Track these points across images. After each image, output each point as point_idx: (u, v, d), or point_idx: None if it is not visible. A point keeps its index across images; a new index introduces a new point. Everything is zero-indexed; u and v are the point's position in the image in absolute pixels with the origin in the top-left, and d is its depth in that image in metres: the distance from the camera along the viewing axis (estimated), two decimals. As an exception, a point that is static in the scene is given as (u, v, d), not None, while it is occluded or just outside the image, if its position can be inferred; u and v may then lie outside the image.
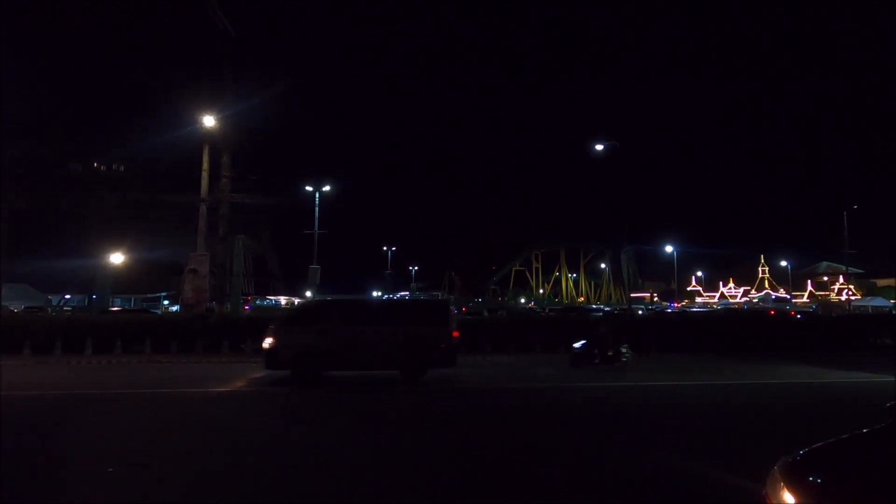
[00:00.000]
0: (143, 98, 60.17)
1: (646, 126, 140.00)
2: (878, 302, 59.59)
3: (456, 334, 12.81)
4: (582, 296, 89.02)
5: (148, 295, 48.91)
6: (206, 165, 27.24)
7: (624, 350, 14.83)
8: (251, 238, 47.43)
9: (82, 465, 6.11)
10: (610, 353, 14.53)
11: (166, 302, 48.00)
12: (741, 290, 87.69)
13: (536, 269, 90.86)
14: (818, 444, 3.29)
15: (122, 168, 47.75)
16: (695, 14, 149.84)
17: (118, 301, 43.80)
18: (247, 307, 42.23)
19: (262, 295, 69.08)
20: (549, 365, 15.97)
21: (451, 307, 14.16)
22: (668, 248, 66.57)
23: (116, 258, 33.16)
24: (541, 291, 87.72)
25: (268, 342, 12.26)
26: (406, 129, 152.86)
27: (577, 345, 14.93)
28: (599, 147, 26.32)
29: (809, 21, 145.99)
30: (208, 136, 27.10)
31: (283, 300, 67.45)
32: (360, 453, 6.54)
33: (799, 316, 29.88)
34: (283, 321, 13.58)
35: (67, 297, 45.48)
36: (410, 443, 7.20)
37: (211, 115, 26.13)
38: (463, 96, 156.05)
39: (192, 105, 27.12)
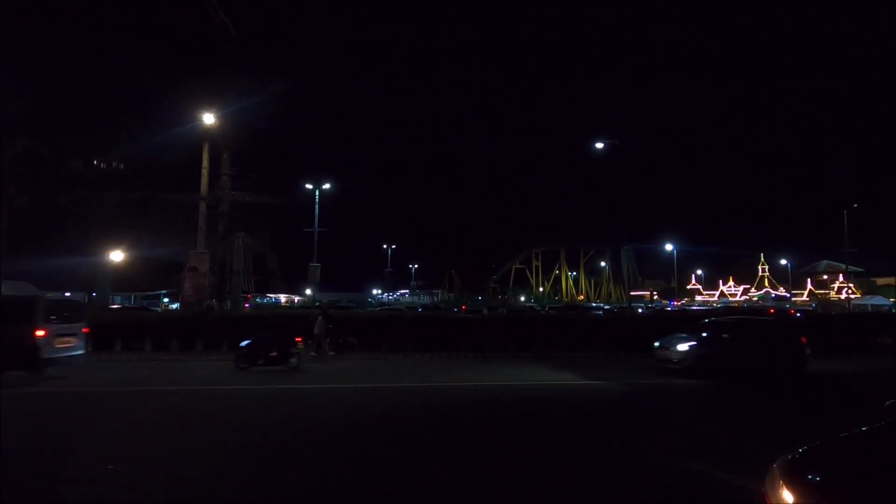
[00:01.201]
0: (144, 97, 60.32)
1: (646, 126, 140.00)
2: (878, 300, 59.63)
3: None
4: (582, 294, 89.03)
5: (148, 293, 48.95)
6: (206, 164, 27.26)
7: (299, 350, 14.16)
8: (251, 236, 47.42)
9: (83, 462, 6.14)
10: (273, 354, 13.69)
11: (166, 300, 48.04)
12: (741, 288, 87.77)
13: (536, 267, 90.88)
14: (817, 443, 3.30)
15: (122, 166, 47.78)
16: (695, 14, 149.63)
17: (118, 299, 43.84)
18: (246, 305, 42.31)
19: (262, 293, 69.15)
20: (223, 365, 14.61)
21: (42, 303, 12.27)
22: (668, 247, 66.56)
23: (116, 256, 33.19)
24: (541, 290, 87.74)
25: None
26: (406, 128, 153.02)
27: (243, 344, 14.02)
28: (599, 146, 26.33)
29: (809, 21, 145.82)
30: (208, 134, 27.10)
31: (282, 298, 67.53)
32: None
33: (799, 314, 29.91)
34: None
35: (67, 294, 45.48)
36: None
37: (211, 113, 26.13)
38: (463, 96, 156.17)
39: (193, 103, 27.15)
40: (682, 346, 13.48)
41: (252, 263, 61.98)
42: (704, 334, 13.88)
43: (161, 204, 41.53)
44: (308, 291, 48.32)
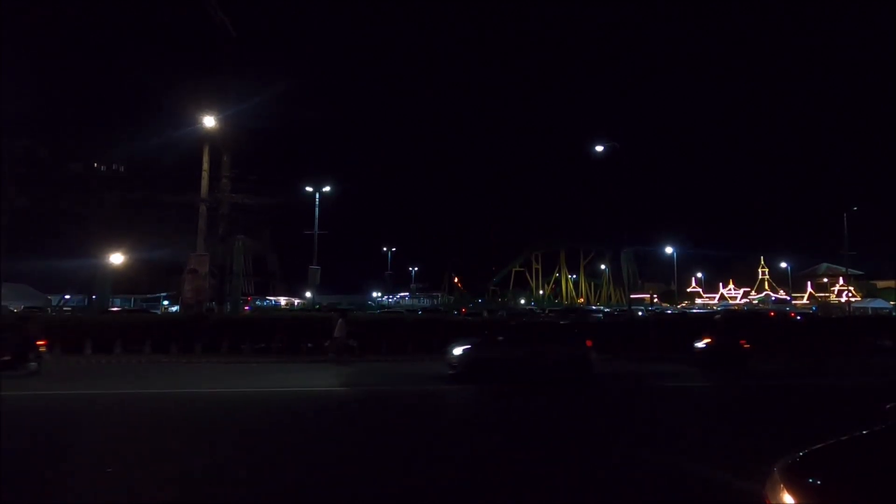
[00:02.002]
0: (144, 97, 60.18)
1: (646, 126, 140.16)
2: (878, 304, 59.64)
3: None
4: (582, 297, 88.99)
5: (148, 295, 48.89)
6: (206, 165, 27.24)
7: (40, 353, 13.56)
8: (251, 238, 47.34)
9: (83, 464, 6.10)
10: (7, 359, 12.98)
11: (166, 302, 48.00)
12: (741, 291, 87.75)
13: (536, 269, 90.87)
14: (818, 446, 3.29)
15: (122, 168, 47.77)
16: (695, 14, 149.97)
17: (118, 301, 43.80)
18: (246, 307, 42.28)
19: (262, 295, 69.02)
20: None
21: None
22: (668, 250, 66.54)
23: (116, 258, 33.16)
24: (541, 292, 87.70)
25: None
26: (406, 128, 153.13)
27: None
28: (599, 148, 26.32)
29: (809, 21, 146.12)
30: (208, 136, 27.09)
31: (282, 301, 67.46)
32: None
33: (799, 317, 29.88)
34: None
35: (67, 297, 45.47)
36: None
37: (211, 115, 26.13)
38: (463, 96, 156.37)
39: (193, 105, 27.13)
40: (457, 351, 12.97)
41: (252, 265, 61.90)
42: (479, 338, 13.54)
43: (161, 206, 41.47)
44: (308, 294, 48.28)
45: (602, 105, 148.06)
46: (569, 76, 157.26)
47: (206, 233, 27.64)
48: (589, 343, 14.47)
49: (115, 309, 30.95)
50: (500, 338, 13.56)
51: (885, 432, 3.40)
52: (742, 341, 16.72)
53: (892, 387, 13.07)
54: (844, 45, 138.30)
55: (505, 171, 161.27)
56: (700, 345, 16.66)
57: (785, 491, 2.91)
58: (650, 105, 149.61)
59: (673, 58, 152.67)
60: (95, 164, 47.58)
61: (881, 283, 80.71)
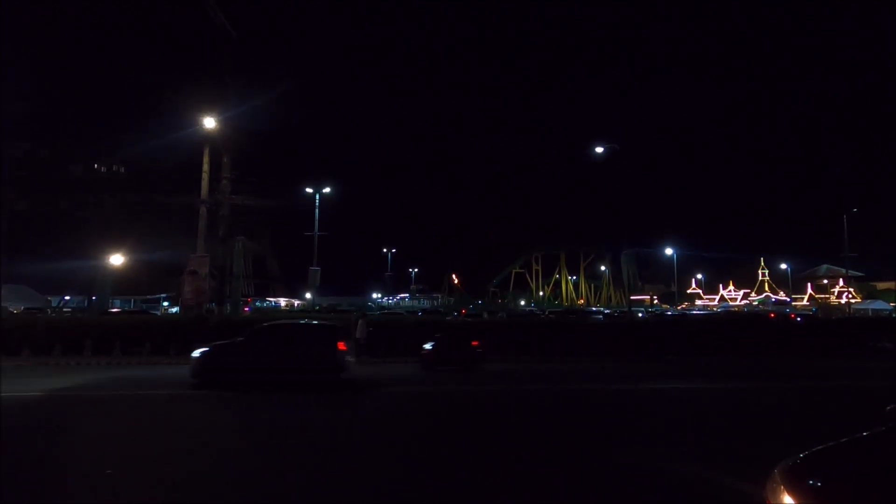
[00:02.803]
0: (144, 99, 60.24)
1: (646, 126, 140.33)
2: (878, 305, 59.60)
3: None
4: (582, 298, 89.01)
5: (147, 296, 48.88)
6: (206, 167, 27.25)
7: None
8: (251, 240, 47.39)
9: (81, 466, 6.09)
10: None
11: (166, 303, 47.99)
12: (741, 292, 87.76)
13: (536, 271, 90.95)
14: (818, 448, 3.31)
15: (122, 169, 47.81)
16: (695, 14, 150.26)
17: (118, 302, 43.76)
18: (246, 309, 42.27)
19: (262, 297, 69.01)
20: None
21: None
22: (668, 251, 66.55)
23: (116, 259, 33.16)
24: (541, 294, 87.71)
25: None
26: (406, 129, 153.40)
27: None
28: (599, 150, 26.40)
29: (809, 21, 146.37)
30: (209, 137, 27.12)
31: (282, 302, 67.48)
32: None
33: (799, 319, 29.87)
34: None
35: (67, 298, 45.47)
36: None
37: (211, 116, 26.15)
38: (463, 96, 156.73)
39: (193, 106, 27.16)
40: (195, 354, 12.19)
41: (252, 267, 61.99)
42: (219, 342, 12.76)
43: (161, 207, 41.52)
44: (308, 295, 48.24)
45: (602, 105, 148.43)
46: (569, 76, 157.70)
47: (206, 234, 27.64)
48: (475, 343, 13.68)
49: (115, 310, 30.93)
50: (241, 339, 12.49)
51: (884, 434, 3.42)
52: (474, 343, 16.46)
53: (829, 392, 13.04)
54: (844, 45, 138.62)
55: (505, 171, 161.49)
56: (427, 346, 16.33)
57: (785, 493, 2.92)
58: (650, 105, 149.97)
59: (673, 58, 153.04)
60: (95, 166, 47.64)
61: (881, 285, 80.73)
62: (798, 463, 3.17)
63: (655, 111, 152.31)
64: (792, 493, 2.88)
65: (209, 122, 26.09)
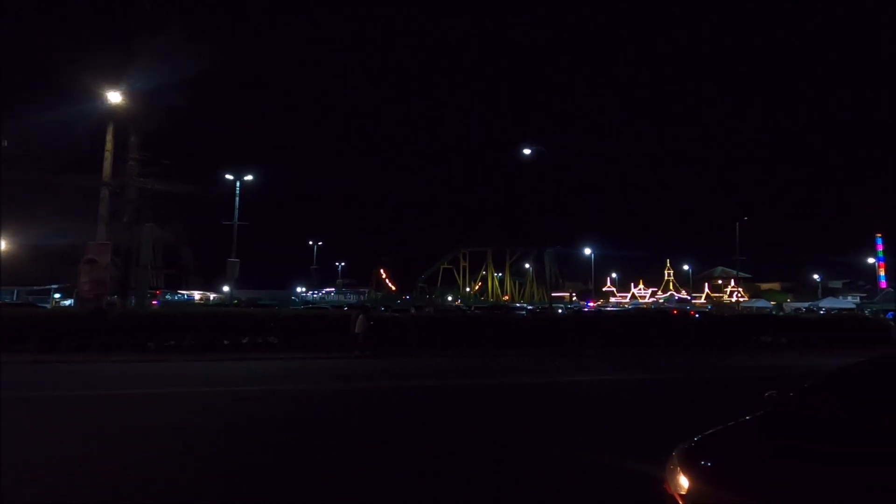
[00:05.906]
0: (39, 65, 53.43)
1: (569, 130, 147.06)
2: (762, 303, 66.86)
3: None
4: (507, 295, 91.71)
5: (35, 287, 43.86)
6: (109, 145, 24.77)
7: None
8: (162, 227, 43.77)
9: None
10: None
11: (58, 295, 43.38)
12: (650, 290, 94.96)
13: (464, 267, 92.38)
14: (710, 431, 3.68)
15: (5, 143, 42.25)
16: (604, 19, 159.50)
17: (-1, 293, 38.87)
18: (155, 302, 39.09)
19: (174, 289, 64.29)
20: None
21: None
22: (587, 251, 70.38)
23: (-3, 245, 29.31)
24: (468, 290, 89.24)
25: None
26: (336, 120, 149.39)
27: None
28: (527, 151, 27.31)
29: (700, 23, 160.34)
30: (113, 113, 24.69)
31: (196, 295, 63.22)
32: None
33: (697, 315, 32.71)
34: None
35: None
36: None
37: (117, 90, 23.83)
38: (395, 91, 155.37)
39: (97, 77, 24.55)
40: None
41: (163, 257, 57.36)
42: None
43: (56, 188, 37.19)
44: (226, 288, 45.59)
45: (529, 107, 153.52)
46: (497, 79, 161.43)
47: (108, 220, 25.15)
48: None
49: (-6, 302, 27.36)
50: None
51: (765, 417, 3.88)
52: None
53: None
54: (745, 49, 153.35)
55: (435, 169, 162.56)
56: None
57: (681, 473, 3.21)
58: (572, 108, 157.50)
59: (591, 61, 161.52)
60: (-27, 138, 41.72)
61: (765, 286, 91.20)
62: (692, 446, 3.51)
63: (577, 114, 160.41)
64: (686, 473, 3.18)
65: (114, 96, 23.77)
